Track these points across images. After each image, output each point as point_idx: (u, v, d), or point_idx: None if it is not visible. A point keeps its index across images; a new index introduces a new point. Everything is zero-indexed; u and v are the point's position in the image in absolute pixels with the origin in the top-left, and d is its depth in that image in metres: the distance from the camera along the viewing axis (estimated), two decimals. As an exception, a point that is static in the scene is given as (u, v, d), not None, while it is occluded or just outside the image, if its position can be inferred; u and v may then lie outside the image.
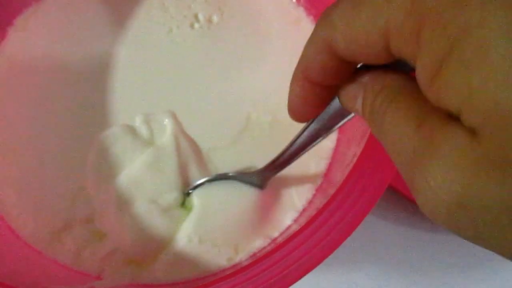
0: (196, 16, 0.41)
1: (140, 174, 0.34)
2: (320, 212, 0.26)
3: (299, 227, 0.27)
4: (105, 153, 0.36)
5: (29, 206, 0.35)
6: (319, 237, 0.26)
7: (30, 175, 0.36)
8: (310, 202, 0.35)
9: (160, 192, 0.34)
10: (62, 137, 0.37)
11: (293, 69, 0.38)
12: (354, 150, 0.30)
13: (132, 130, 0.37)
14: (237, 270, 0.26)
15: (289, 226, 0.35)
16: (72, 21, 0.41)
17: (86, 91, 0.38)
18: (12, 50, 0.40)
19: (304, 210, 0.35)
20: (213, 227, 0.34)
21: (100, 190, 0.34)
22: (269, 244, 0.35)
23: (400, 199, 0.41)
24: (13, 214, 0.35)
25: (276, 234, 0.35)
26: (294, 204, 0.36)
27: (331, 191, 0.29)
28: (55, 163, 0.36)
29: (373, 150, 0.27)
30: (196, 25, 0.41)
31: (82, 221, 0.34)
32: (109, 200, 0.34)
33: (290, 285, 0.25)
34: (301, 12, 0.41)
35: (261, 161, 0.33)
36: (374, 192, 0.25)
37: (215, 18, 0.41)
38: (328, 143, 0.37)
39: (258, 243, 0.35)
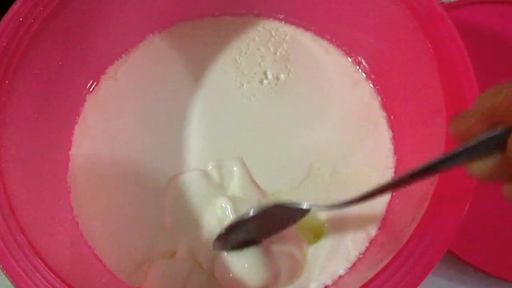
0: (265, 73, 0.45)
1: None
2: (380, 273, 0.29)
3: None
4: (182, 195, 0.40)
5: (113, 239, 0.40)
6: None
7: (115, 212, 0.41)
8: (364, 254, 0.39)
9: None
10: (143, 179, 0.42)
11: (352, 126, 0.42)
12: (412, 212, 0.33)
13: (205, 175, 0.41)
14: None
15: (341, 276, 0.38)
16: (155, 72, 0.46)
17: (166, 137, 0.43)
18: (102, 97, 0.45)
19: (358, 260, 0.39)
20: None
21: (181, 230, 0.39)
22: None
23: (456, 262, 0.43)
24: (100, 245, 0.39)
25: (329, 282, 0.38)
26: (348, 254, 0.39)
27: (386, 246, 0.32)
28: (136, 202, 0.41)
29: (434, 216, 0.30)
30: (265, 82, 0.45)
31: (162, 256, 0.39)
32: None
33: None
34: (360, 75, 0.45)
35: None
36: (433, 256, 0.28)
37: (282, 76, 0.45)
38: (383, 198, 0.40)
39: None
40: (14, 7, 0.35)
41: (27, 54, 0.35)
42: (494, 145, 0.22)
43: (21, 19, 0.35)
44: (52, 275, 0.29)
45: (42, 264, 0.29)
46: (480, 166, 0.23)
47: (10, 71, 0.34)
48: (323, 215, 0.40)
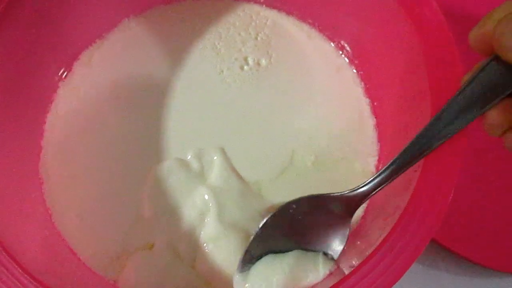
0: (246, 59, 0.44)
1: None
2: (364, 262, 0.28)
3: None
4: (160, 185, 0.39)
5: (89, 232, 0.38)
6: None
7: (90, 203, 0.39)
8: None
9: None
10: (119, 168, 0.40)
11: (335, 113, 0.41)
12: (395, 201, 0.32)
13: (185, 164, 0.40)
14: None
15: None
16: (131, 58, 0.44)
17: (143, 125, 0.42)
18: (76, 83, 0.43)
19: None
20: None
21: (160, 221, 0.37)
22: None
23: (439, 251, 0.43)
24: (74, 237, 0.38)
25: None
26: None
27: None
28: (112, 193, 0.39)
29: (419, 203, 0.29)
30: (246, 67, 0.44)
31: (140, 248, 0.37)
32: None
33: None
34: (343, 61, 0.44)
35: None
36: (420, 243, 0.28)
37: (263, 62, 0.44)
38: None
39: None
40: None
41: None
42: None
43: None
44: (23, 273, 0.27)
45: (12, 262, 0.28)
46: (491, 116, 0.26)
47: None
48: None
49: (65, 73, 0.43)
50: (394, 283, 0.29)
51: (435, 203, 0.29)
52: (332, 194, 0.33)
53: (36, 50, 0.39)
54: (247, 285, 0.33)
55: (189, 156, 0.40)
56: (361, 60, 0.43)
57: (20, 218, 0.34)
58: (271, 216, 0.34)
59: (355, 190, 0.32)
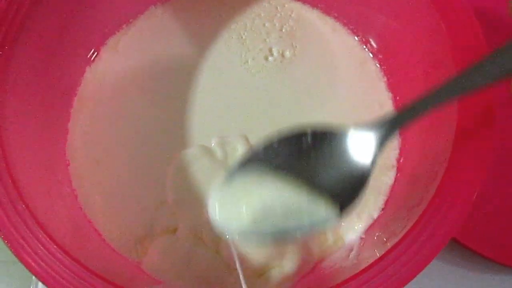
0: (270, 50, 0.44)
1: None
2: (383, 256, 0.29)
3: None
4: (184, 171, 0.39)
5: (113, 214, 0.39)
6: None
7: (115, 186, 0.40)
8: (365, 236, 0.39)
9: None
10: (144, 154, 0.41)
11: (357, 106, 0.41)
12: (421, 193, 0.33)
13: (208, 151, 0.40)
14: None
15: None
16: (158, 45, 0.45)
17: (167, 112, 0.42)
18: (103, 68, 0.44)
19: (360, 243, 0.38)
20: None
21: (183, 207, 0.38)
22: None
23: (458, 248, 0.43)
24: (99, 219, 0.39)
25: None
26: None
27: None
28: (137, 178, 0.40)
29: (442, 199, 0.30)
30: (270, 58, 0.44)
31: (163, 232, 0.38)
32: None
33: None
34: (367, 55, 0.44)
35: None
36: (439, 243, 0.28)
37: (287, 53, 0.44)
38: (386, 179, 0.40)
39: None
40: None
41: (28, 18, 0.34)
42: None
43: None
44: (58, 249, 0.28)
45: (45, 236, 0.29)
46: None
47: (10, 36, 0.33)
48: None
49: (93, 58, 0.44)
50: (414, 276, 0.29)
51: (461, 198, 0.30)
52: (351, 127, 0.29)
53: (66, 35, 0.39)
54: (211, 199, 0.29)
55: (213, 144, 0.41)
56: (385, 55, 0.43)
57: (50, 198, 0.35)
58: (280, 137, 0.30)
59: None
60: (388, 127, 0.28)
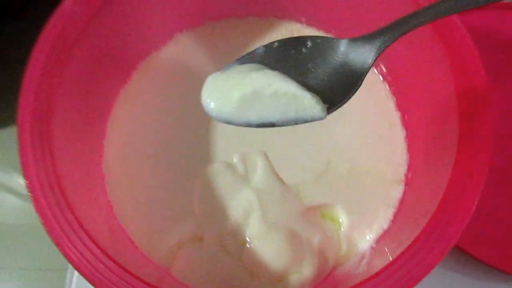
0: (287, 72, 0.48)
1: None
2: (390, 264, 0.32)
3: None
4: (209, 185, 0.43)
5: (146, 224, 0.43)
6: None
7: (147, 199, 0.44)
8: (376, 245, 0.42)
9: None
10: (172, 169, 0.45)
11: (368, 125, 0.45)
12: (425, 207, 0.36)
13: (231, 167, 0.44)
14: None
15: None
16: (183, 69, 0.49)
17: (193, 131, 0.46)
18: (134, 90, 0.48)
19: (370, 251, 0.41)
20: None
21: (208, 217, 0.42)
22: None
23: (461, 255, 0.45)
24: (132, 228, 0.42)
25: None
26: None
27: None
28: (167, 191, 0.44)
29: (444, 211, 0.33)
30: (287, 80, 0.48)
31: (191, 240, 0.42)
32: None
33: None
34: (377, 77, 0.48)
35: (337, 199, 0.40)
36: (442, 250, 0.31)
37: (303, 76, 0.48)
38: (395, 193, 0.43)
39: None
40: (62, 6, 0.38)
41: (73, 48, 0.38)
42: None
43: (69, 17, 0.38)
44: (101, 252, 0.32)
45: (90, 241, 0.32)
46: None
47: (58, 65, 0.37)
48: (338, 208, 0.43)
49: (125, 81, 0.48)
50: (421, 279, 0.32)
51: (461, 209, 0.33)
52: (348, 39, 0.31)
53: (104, 60, 0.44)
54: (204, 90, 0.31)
55: (235, 160, 0.44)
56: (394, 78, 0.47)
57: (91, 209, 0.39)
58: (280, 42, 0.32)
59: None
60: (381, 40, 0.31)
